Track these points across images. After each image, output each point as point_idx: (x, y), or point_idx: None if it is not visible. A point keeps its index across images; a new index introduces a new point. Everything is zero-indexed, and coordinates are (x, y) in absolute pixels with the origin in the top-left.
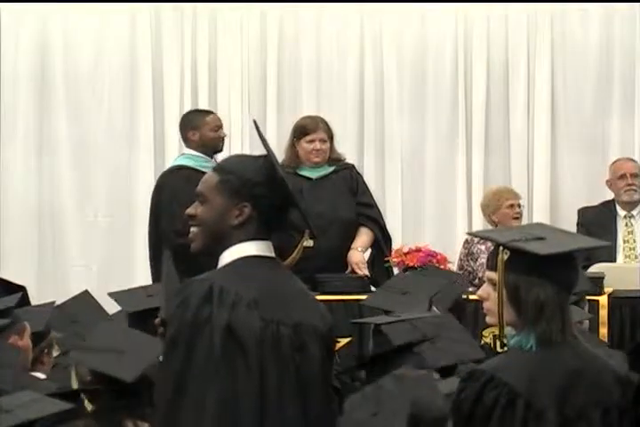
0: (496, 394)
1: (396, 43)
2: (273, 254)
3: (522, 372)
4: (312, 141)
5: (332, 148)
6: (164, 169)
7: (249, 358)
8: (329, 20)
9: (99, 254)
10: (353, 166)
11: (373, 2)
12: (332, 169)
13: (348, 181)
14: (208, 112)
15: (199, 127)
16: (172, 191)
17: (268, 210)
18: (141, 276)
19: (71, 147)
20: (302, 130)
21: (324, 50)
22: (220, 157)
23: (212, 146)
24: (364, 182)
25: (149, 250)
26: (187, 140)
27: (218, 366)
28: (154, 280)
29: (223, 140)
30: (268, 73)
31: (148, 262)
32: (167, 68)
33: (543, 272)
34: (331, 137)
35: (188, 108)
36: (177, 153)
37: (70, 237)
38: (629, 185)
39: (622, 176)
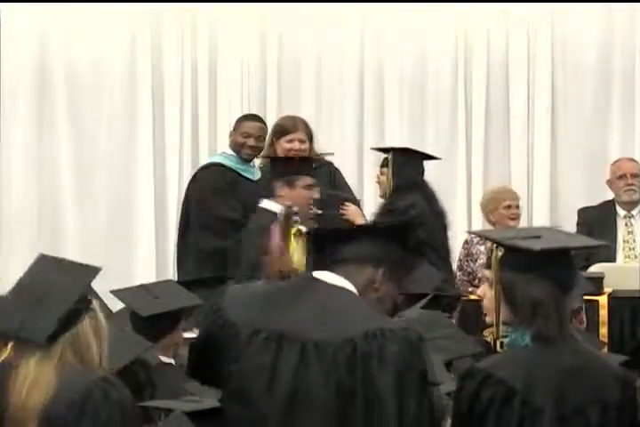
0: (492, 392)
1: (397, 43)
2: (327, 279)
3: (519, 370)
4: (291, 141)
5: (311, 148)
6: (164, 167)
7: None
8: (329, 20)
9: (99, 254)
10: (331, 163)
11: (374, 2)
12: None
13: (328, 176)
14: (252, 118)
15: (235, 130)
16: (203, 185)
17: None
18: (142, 275)
19: (72, 146)
20: (281, 129)
21: (325, 50)
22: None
23: (236, 151)
24: (343, 177)
25: (177, 244)
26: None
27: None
28: (178, 269)
29: (252, 148)
30: (268, 73)
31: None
32: (167, 68)
33: (537, 270)
34: (310, 137)
35: (188, 108)
36: (177, 152)
37: (70, 237)
38: (629, 185)
39: (622, 176)
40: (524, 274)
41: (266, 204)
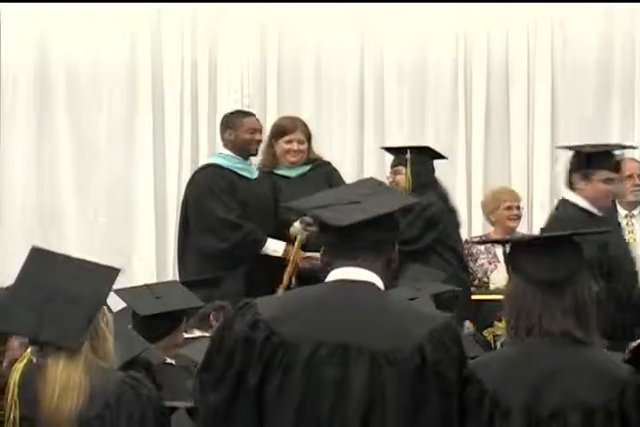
0: (469, 391)
1: (397, 43)
2: (363, 278)
3: (496, 369)
4: (290, 142)
5: (309, 148)
6: (163, 168)
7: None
8: (329, 20)
9: (99, 253)
10: (329, 163)
11: (374, 2)
12: (308, 167)
13: (325, 175)
14: (248, 114)
15: (236, 128)
16: (201, 187)
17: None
18: (142, 275)
19: (71, 146)
20: (280, 130)
21: (325, 50)
22: (254, 159)
23: (245, 148)
24: (341, 177)
25: (177, 245)
26: (223, 140)
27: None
28: (179, 270)
29: (258, 143)
30: (268, 73)
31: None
32: (167, 68)
33: (511, 265)
34: (308, 138)
35: (187, 108)
36: (176, 152)
37: (70, 237)
38: (637, 185)
39: (629, 176)
40: (511, 269)
41: (568, 195)
